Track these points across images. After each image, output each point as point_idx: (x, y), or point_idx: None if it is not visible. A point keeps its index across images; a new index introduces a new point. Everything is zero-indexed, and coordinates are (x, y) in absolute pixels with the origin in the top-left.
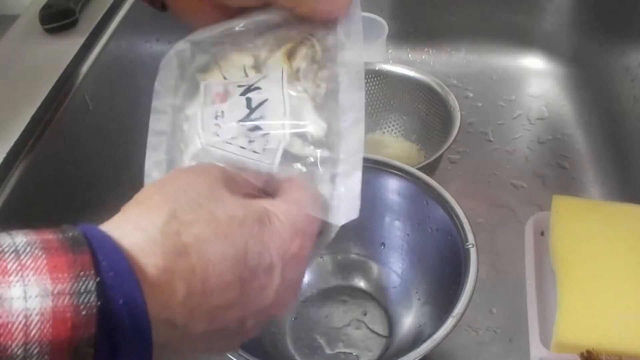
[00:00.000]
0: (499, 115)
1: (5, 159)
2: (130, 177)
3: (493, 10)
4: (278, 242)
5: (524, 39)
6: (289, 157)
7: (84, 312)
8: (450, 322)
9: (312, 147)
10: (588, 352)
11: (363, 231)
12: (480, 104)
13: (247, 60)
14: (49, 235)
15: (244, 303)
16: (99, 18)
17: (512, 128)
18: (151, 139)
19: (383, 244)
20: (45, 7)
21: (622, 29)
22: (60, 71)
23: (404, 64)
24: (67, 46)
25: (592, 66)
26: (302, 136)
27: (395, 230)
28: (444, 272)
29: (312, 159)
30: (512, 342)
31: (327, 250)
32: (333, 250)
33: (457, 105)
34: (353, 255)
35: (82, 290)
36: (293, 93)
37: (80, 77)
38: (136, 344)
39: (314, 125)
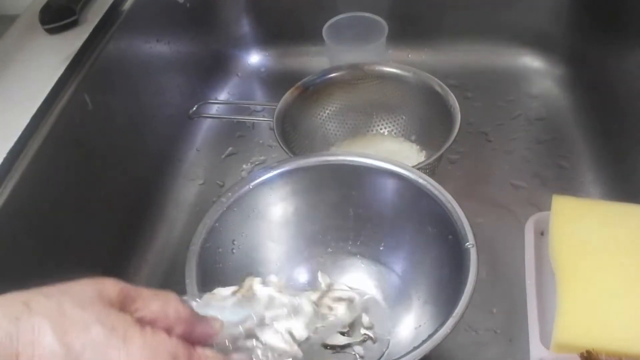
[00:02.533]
0: (499, 115)
1: (5, 159)
2: (130, 176)
3: (493, 10)
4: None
5: (524, 39)
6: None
7: None
8: (450, 322)
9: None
10: (588, 352)
11: (363, 231)
12: (479, 104)
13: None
14: None
15: None
16: (99, 18)
17: (512, 128)
18: None
19: (383, 244)
20: (45, 7)
21: (622, 29)
22: (60, 71)
23: (404, 64)
24: (67, 46)
25: (592, 66)
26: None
27: (395, 230)
28: (444, 272)
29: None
30: (512, 342)
31: (327, 251)
32: (333, 250)
33: (457, 105)
34: (353, 256)
35: None
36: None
37: (80, 77)
38: None
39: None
